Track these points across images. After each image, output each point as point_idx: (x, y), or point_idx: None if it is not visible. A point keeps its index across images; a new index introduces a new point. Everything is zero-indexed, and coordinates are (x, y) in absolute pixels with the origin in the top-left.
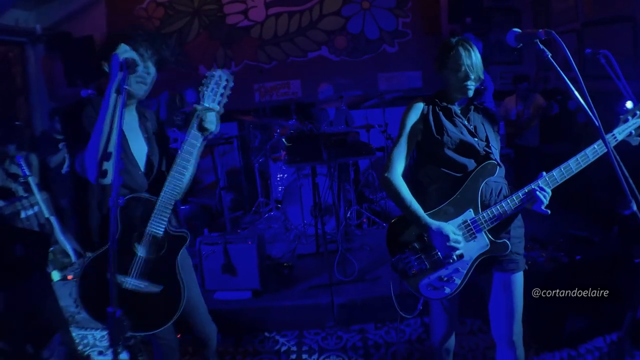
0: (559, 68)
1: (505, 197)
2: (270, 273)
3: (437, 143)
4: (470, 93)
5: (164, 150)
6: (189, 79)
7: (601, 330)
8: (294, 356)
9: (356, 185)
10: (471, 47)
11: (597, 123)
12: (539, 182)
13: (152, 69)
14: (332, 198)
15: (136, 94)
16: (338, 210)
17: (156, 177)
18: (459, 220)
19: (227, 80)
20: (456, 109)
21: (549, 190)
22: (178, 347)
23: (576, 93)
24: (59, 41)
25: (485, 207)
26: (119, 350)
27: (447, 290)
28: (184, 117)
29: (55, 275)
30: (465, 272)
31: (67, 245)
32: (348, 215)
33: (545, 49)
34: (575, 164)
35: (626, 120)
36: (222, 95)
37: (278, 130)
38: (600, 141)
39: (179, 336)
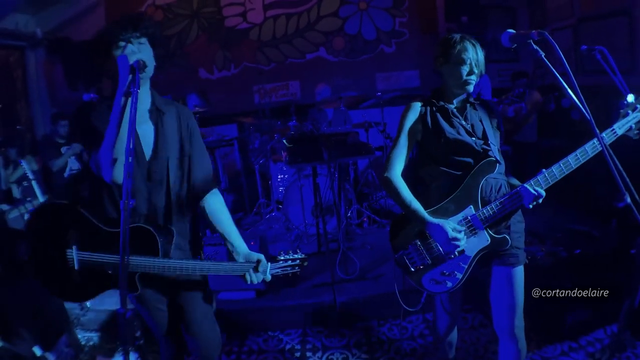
0: (552, 67)
1: (505, 194)
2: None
3: (435, 144)
4: (471, 88)
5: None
6: (190, 83)
7: (602, 322)
8: (298, 354)
9: (356, 184)
10: (476, 43)
11: (589, 118)
12: (538, 178)
13: (147, 48)
14: (332, 198)
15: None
16: (339, 210)
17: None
18: (460, 216)
19: None
20: (453, 108)
21: (541, 191)
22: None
23: (569, 90)
24: (59, 45)
25: (486, 203)
26: (129, 350)
27: (449, 284)
28: None
29: None
30: (466, 266)
31: None
32: (349, 214)
33: (539, 49)
34: (574, 160)
35: (626, 115)
36: None
37: (278, 132)
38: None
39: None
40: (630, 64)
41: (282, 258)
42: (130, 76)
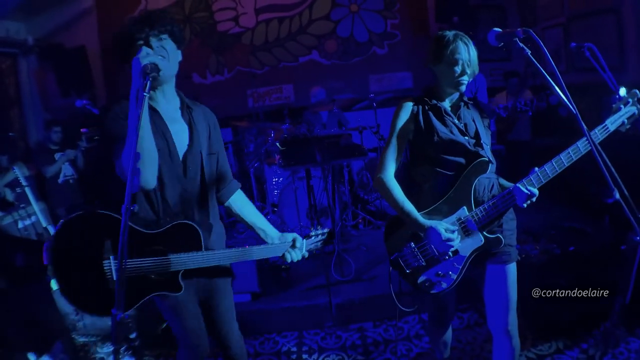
0: (537, 64)
1: (498, 194)
2: (268, 275)
3: (427, 143)
4: (464, 88)
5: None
6: (183, 88)
7: (596, 318)
8: (294, 356)
9: (351, 186)
10: (469, 42)
11: (575, 112)
12: (531, 177)
13: (169, 44)
14: (327, 200)
15: (162, 73)
16: (334, 212)
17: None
18: (453, 218)
19: None
20: (446, 106)
21: (535, 190)
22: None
23: (555, 87)
24: (51, 52)
25: (479, 203)
26: (119, 349)
27: (444, 284)
28: None
29: (55, 284)
30: (460, 267)
31: None
32: (344, 216)
33: (525, 47)
34: (567, 158)
35: (618, 109)
36: None
37: (272, 135)
38: (592, 133)
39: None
40: (619, 62)
41: (313, 234)
42: (141, 80)
